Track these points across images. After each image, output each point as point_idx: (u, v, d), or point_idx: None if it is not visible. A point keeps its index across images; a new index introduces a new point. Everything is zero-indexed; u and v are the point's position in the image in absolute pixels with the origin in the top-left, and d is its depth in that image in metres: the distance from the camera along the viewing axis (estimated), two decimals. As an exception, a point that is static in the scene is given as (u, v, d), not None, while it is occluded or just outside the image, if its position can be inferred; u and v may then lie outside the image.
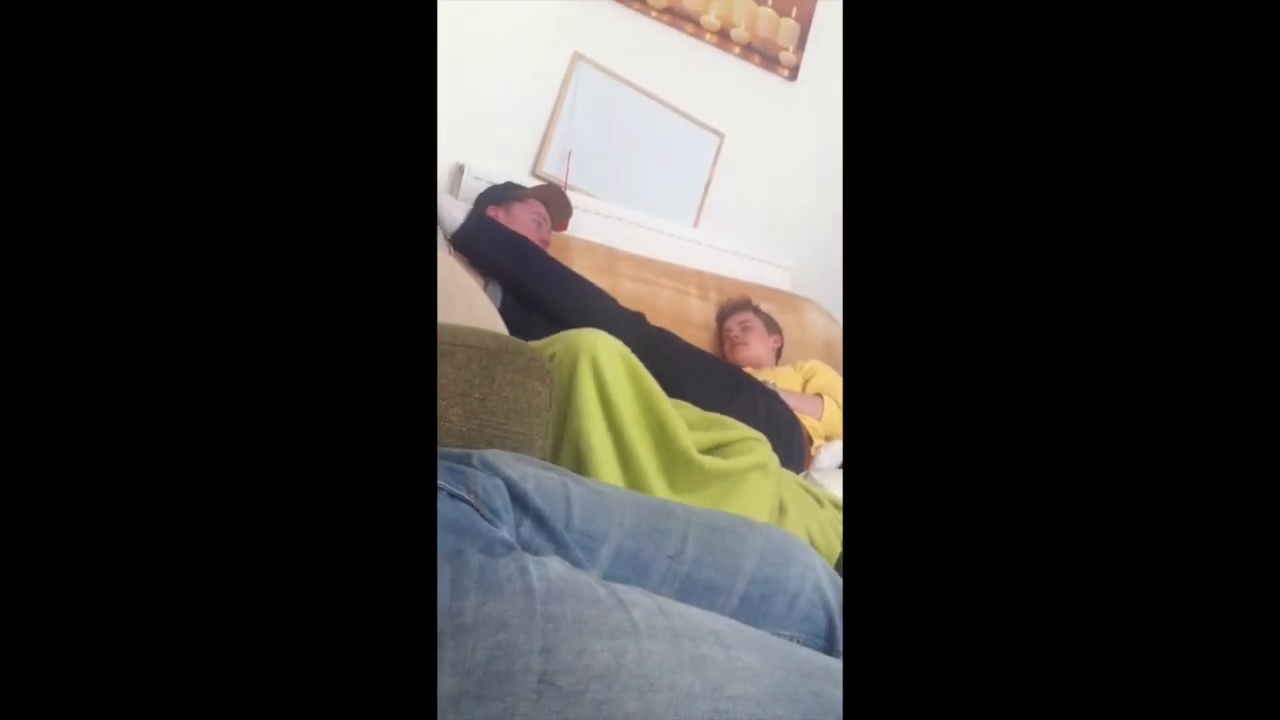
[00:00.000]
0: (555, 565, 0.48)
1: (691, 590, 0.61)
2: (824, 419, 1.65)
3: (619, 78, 1.95)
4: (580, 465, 0.96)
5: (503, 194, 1.64)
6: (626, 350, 1.03)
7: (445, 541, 0.49)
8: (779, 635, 0.61)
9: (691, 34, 2.02)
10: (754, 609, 0.62)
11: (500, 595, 0.45)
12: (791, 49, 2.15)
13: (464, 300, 1.00)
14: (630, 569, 0.60)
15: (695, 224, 2.13)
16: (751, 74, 2.13)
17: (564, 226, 1.86)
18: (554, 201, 1.67)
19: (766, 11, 2.10)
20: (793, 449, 1.46)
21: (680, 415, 1.08)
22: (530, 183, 1.75)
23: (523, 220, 1.54)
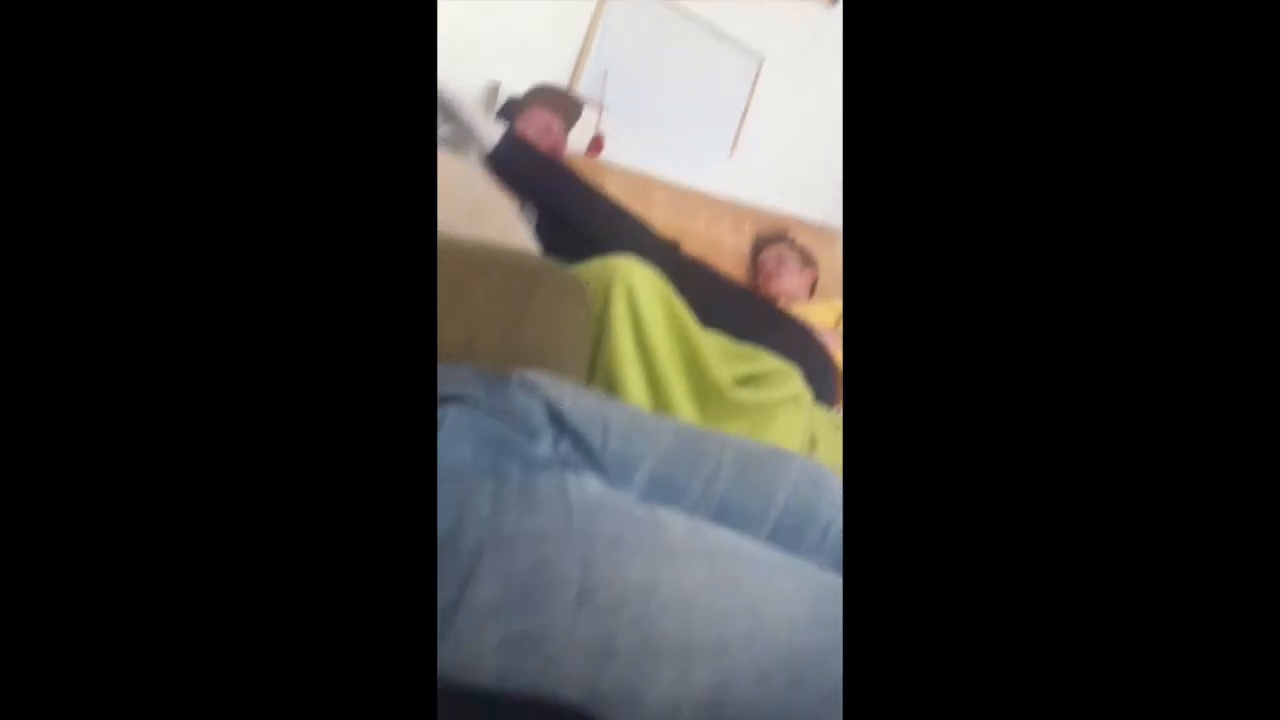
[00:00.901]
0: (593, 484, 0.49)
1: (725, 516, 0.61)
2: (856, 355, 1.63)
3: (658, -5, 1.87)
4: (611, 393, 0.96)
5: (506, 111, 1.60)
6: (661, 280, 1.02)
7: (484, 456, 0.50)
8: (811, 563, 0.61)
9: (736, -50, 1.93)
10: (786, 537, 0.62)
11: (540, 510, 0.45)
12: (839, -32, 2.04)
13: (500, 220, 0.99)
14: (665, 492, 0.61)
15: (731, 152, 2.07)
16: (795, -5, 2.03)
17: (599, 148, 1.82)
18: (558, 105, 1.61)
19: (816, -74, 1.98)
20: (824, 383, 1.45)
21: (713, 346, 1.07)
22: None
23: (529, 134, 1.50)
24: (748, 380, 1.12)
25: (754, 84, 2.04)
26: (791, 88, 2.08)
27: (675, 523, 0.48)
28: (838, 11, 2.07)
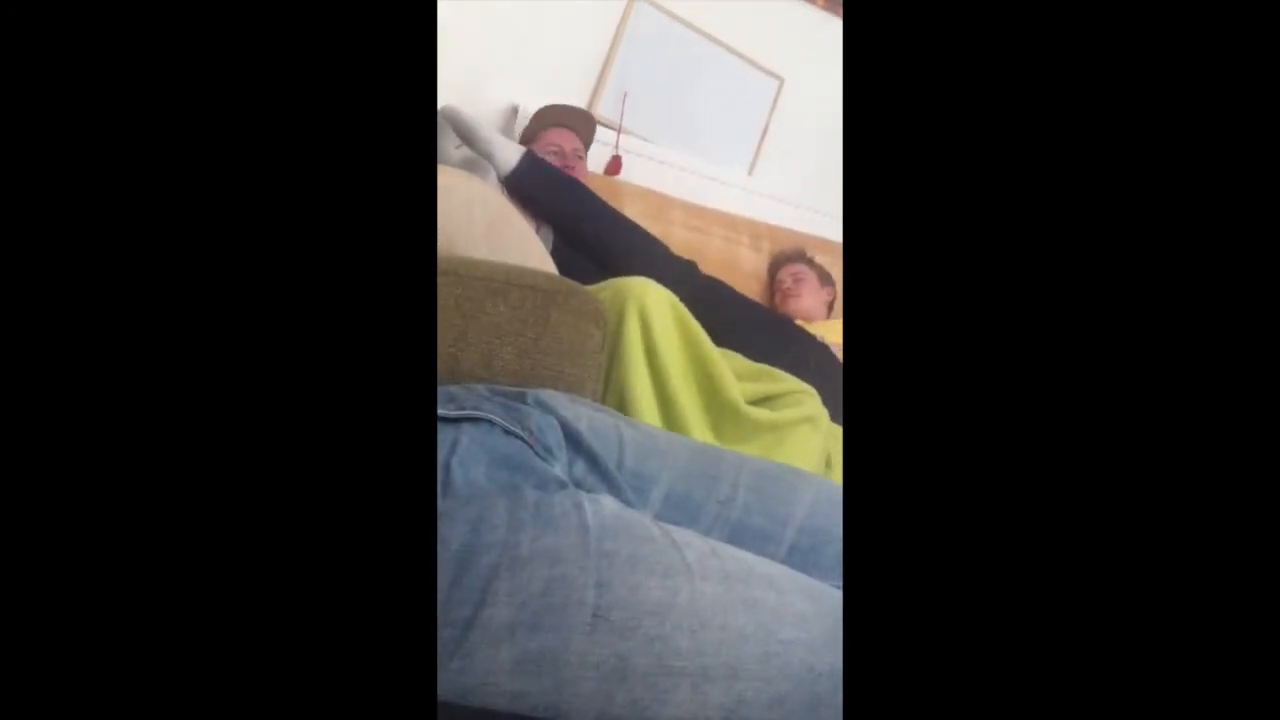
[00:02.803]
0: (609, 503, 0.49)
1: (741, 536, 0.60)
2: (875, 375, 1.63)
3: (677, 18, 1.89)
4: (624, 413, 0.96)
5: (526, 133, 1.61)
6: (675, 299, 1.02)
7: (500, 476, 0.50)
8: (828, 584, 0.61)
9: (754, -28, 1.94)
10: (803, 558, 0.61)
11: (556, 530, 0.45)
12: (858, -11, 2.05)
13: (518, 241, 1.00)
14: (681, 512, 0.61)
15: (750, 171, 2.08)
16: (814, 16, 2.04)
17: (617, 169, 1.83)
18: (576, 125, 1.63)
19: (834, -52, 2.00)
20: (841, 403, 1.44)
21: (729, 366, 1.06)
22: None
23: (547, 155, 1.51)
24: (764, 400, 1.12)
25: (773, 105, 2.05)
26: (811, 108, 2.09)
27: (691, 543, 0.48)
28: (855, 32, 2.08)
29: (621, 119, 1.85)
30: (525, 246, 1.03)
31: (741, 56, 1.98)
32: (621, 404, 0.96)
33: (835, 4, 2.05)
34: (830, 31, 2.07)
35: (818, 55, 2.07)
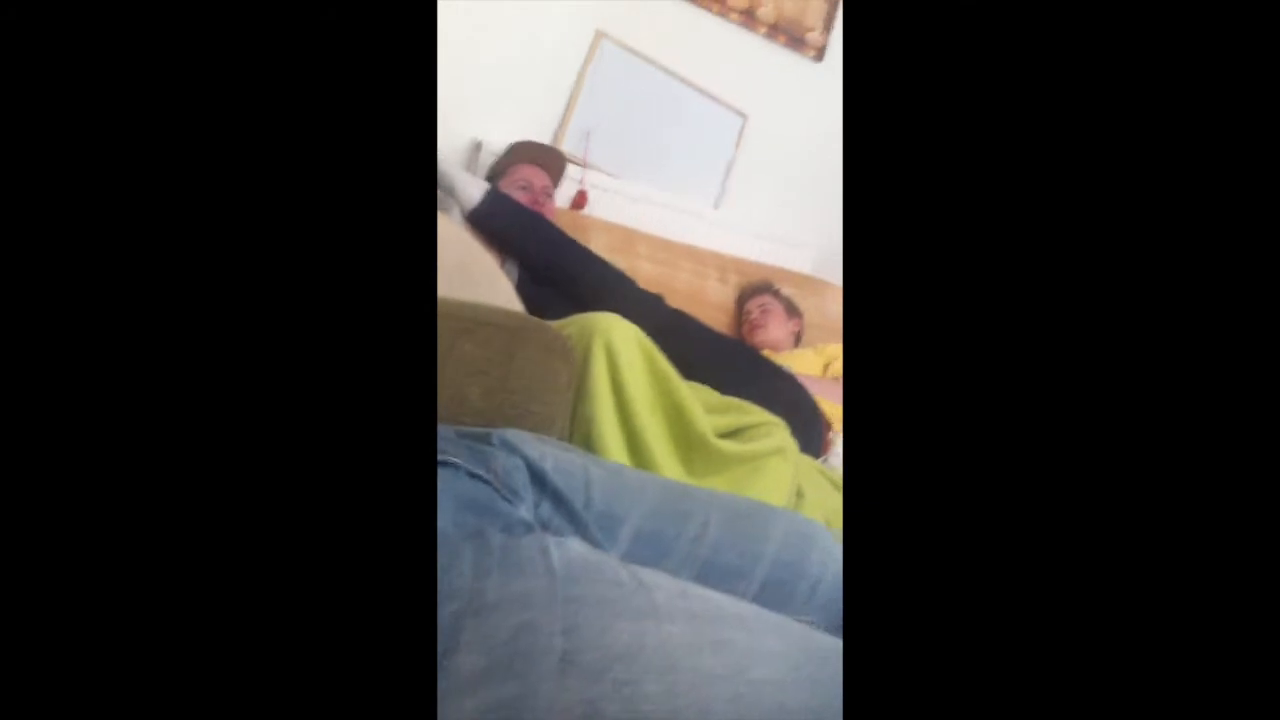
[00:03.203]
0: (576, 546, 0.48)
1: (712, 574, 0.60)
2: (843, 403, 1.64)
3: (642, 56, 1.93)
4: (590, 450, 0.95)
5: (492, 169, 1.62)
6: (642, 334, 1.02)
7: (466, 521, 0.49)
8: (800, 621, 0.60)
9: (717, 13, 1.99)
10: (775, 594, 0.61)
11: (522, 575, 0.44)
12: (819, 29, 2.11)
13: (483, 278, 1.00)
14: (650, 551, 0.60)
15: (716, 205, 2.11)
16: (777, 54, 2.09)
17: (583, 204, 1.84)
18: (542, 160, 1.64)
19: (793, -11, 2.06)
20: (811, 434, 1.45)
21: (698, 398, 1.07)
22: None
23: (512, 191, 1.52)
24: (734, 432, 1.12)
25: (738, 140, 2.09)
26: (775, 143, 2.13)
27: (660, 584, 0.48)
28: (822, 68, 2.14)
29: (587, 154, 1.87)
30: (491, 284, 1.03)
31: (706, 94, 2.02)
32: (588, 440, 0.95)
33: (798, 42, 2.10)
34: (793, 68, 2.12)
35: (781, 91, 2.11)
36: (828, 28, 2.12)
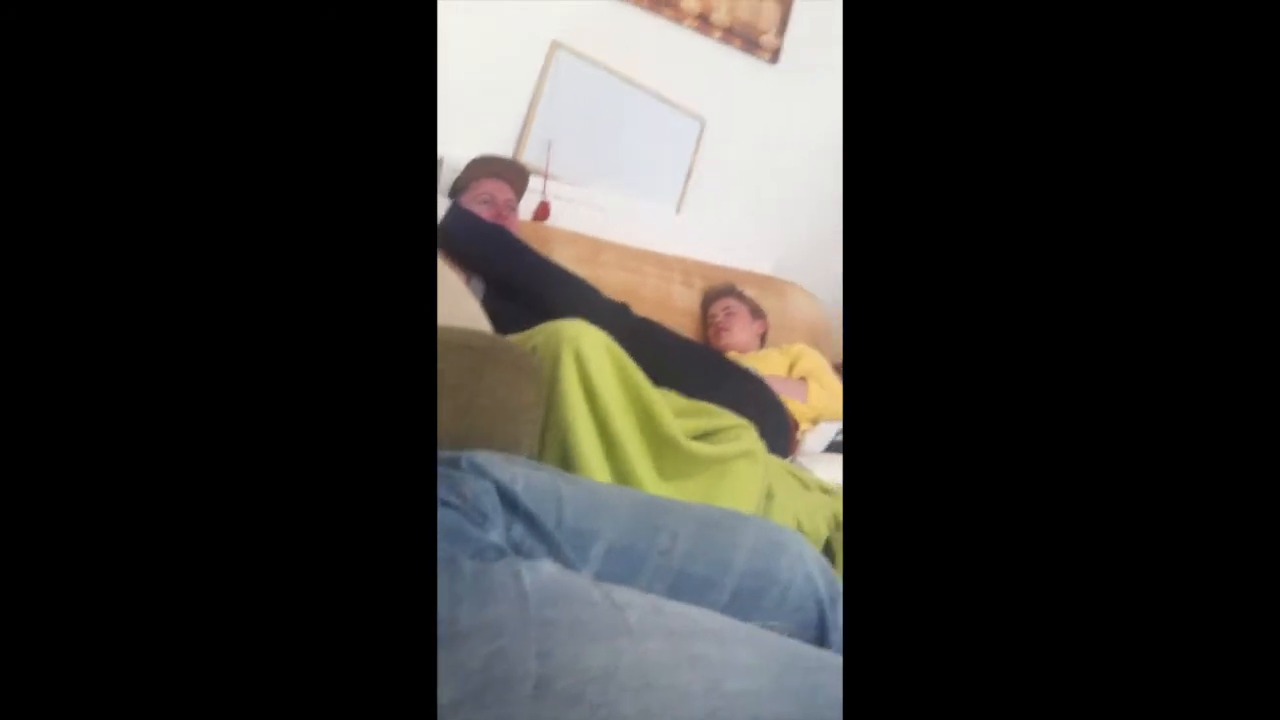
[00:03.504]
0: (548, 568, 0.49)
1: (684, 586, 0.61)
2: (809, 402, 1.66)
3: (599, 64, 1.93)
4: (566, 456, 0.96)
5: (454, 186, 1.62)
6: (610, 340, 1.03)
7: (437, 548, 0.49)
8: (771, 627, 0.61)
9: (671, 18, 2.00)
10: (746, 602, 0.62)
11: (494, 601, 0.45)
12: (773, 32, 2.14)
13: (448, 295, 1.00)
14: (622, 566, 0.61)
15: (678, 210, 2.13)
16: (733, 58, 2.11)
17: (545, 214, 1.84)
18: (504, 174, 1.64)
19: (746, -6, 2.08)
20: (779, 434, 1.47)
21: (666, 403, 1.08)
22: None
23: (474, 206, 1.52)
24: (702, 436, 1.13)
25: (697, 145, 2.10)
26: (733, 147, 2.15)
27: (633, 602, 0.48)
28: (777, 70, 2.16)
29: (548, 165, 1.87)
30: (457, 300, 1.03)
31: (664, 99, 2.03)
32: (564, 447, 0.95)
33: (753, 45, 2.12)
34: (749, 71, 2.14)
35: (738, 95, 2.14)
36: (781, 30, 2.15)
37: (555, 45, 1.88)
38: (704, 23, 2.04)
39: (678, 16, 2.01)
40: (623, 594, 0.49)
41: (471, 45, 1.76)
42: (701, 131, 2.10)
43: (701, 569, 0.62)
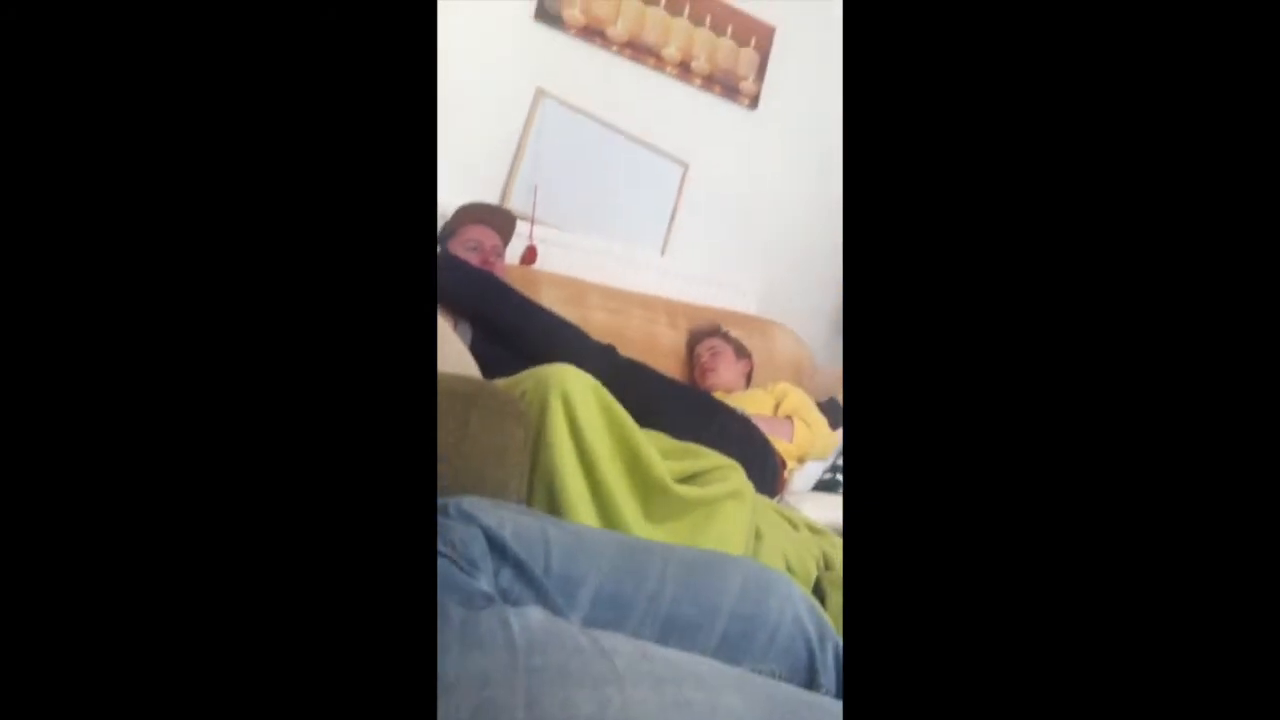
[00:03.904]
0: (536, 615, 0.49)
1: (672, 630, 0.61)
2: (795, 441, 1.67)
3: (583, 111, 1.98)
4: (554, 500, 0.96)
5: (442, 233, 1.63)
6: (597, 383, 1.04)
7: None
8: (761, 670, 0.61)
9: (653, 66, 2.06)
10: (735, 645, 0.62)
11: (482, 650, 0.45)
12: (751, 78, 2.20)
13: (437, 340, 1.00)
14: (611, 611, 0.61)
15: (662, 252, 2.16)
16: (713, 104, 2.17)
17: (533, 259, 1.87)
18: (490, 220, 1.66)
19: (726, 42, 2.14)
20: (765, 473, 1.48)
21: (654, 445, 1.08)
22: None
23: (461, 252, 1.53)
24: (690, 477, 1.13)
25: (680, 188, 2.14)
26: (715, 190, 2.19)
27: (620, 648, 0.48)
28: (756, 115, 2.21)
29: (534, 210, 1.89)
30: (445, 345, 1.03)
31: (646, 144, 2.08)
32: (551, 492, 0.96)
33: (732, 91, 2.18)
34: (729, 117, 2.19)
35: (719, 140, 2.18)
36: (760, 77, 2.21)
37: (540, 93, 1.92)
38: (685, 70, 2.10)
39: (659, 64, 2.06)
40: (610, 640, 0.49)
41: (458, 94, 1.80)
42: (684, 175, 2.14)
43: (689, 612, 0.62)
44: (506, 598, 0.57)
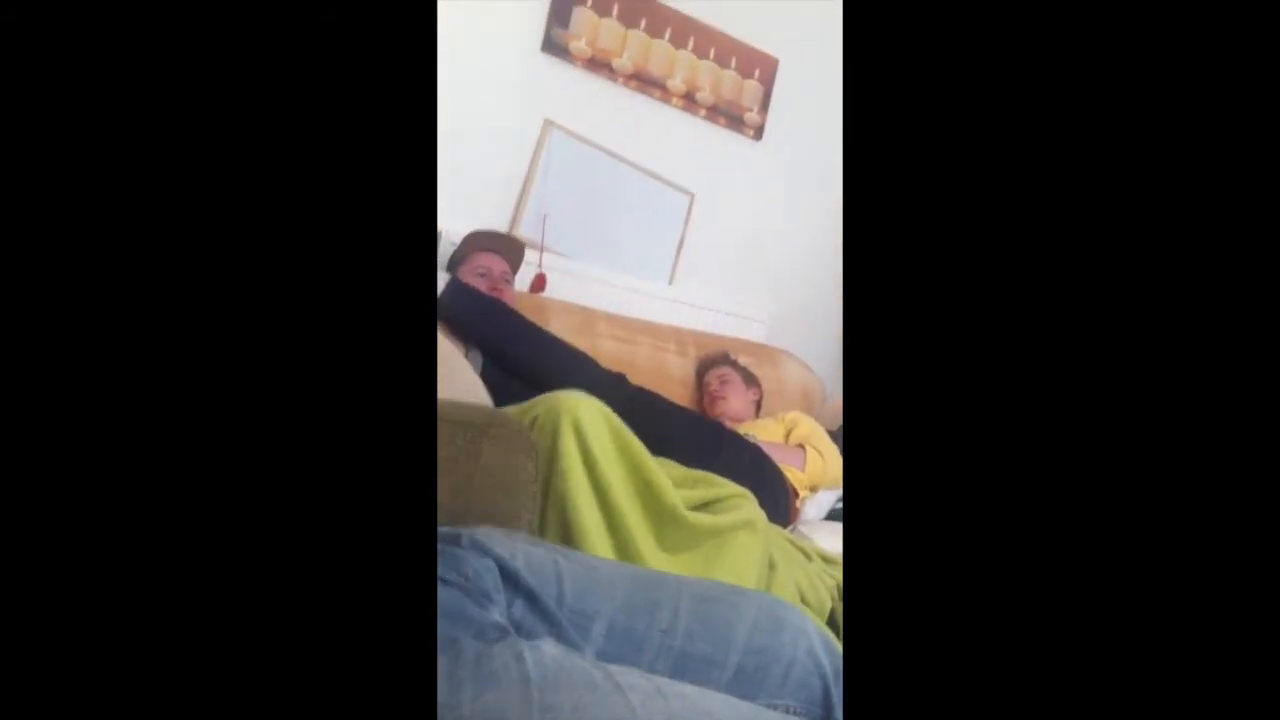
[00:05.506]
0: (550, 650, 0.48)
1: (686, 664, 0.60)
2: (807, 470, 1.66)
3: (590, 143, 2.00)
4: (566, 528, 0.95)
5: (451, 260, 1.65)
6: (609, 411, 1.03)
7: (439, 629, 0.49)
8: (775, 705, 0.60)
9: (659, 98, 2.08)
10: (749, 679, 0.61)
11: (497, 685, 0.44)
12: (756, 109, 2.22)
13: (446, 368, 1.01)
14: (624, 645, 0.60)
15: (670, 281, 2.16)
16: (718, 135, 2.19)
17: (541, 286, 1.87)
18: (499, 248, 1.67)
19: (730, 74, 2.17)
20: (778, 503, 1.46)
21: (665, 473, 1.08)
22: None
23: (471, 279, 1.54)
24: (702, 506, 1.13)
25: (687, 218, 2.16)
26: (722, 219, 2.21)
27: (635, 684, 0.48)
28: (761, 146, 2.24)
29: (543, 239, 1.91)
30: (455, 373, 1.04)
31: (653, 175, 2.09)
32: (564, 519, 0.95)
33: (737, 122, 2.20)
34: (734, 148, 2.21)
35: (724, 170, 2.20)
36: (764, 108, 2.23)
37: (548, 124, 1.95)
38: (690, 102, 2.12)
39: (665, 96, 2.09)
40: (625, 675, 0.49)
41: (467, 124, 1.82)
42: (691, 205, 2.16)
43: (703, 647, 0.62)
44: (519, 630, 0.57)
